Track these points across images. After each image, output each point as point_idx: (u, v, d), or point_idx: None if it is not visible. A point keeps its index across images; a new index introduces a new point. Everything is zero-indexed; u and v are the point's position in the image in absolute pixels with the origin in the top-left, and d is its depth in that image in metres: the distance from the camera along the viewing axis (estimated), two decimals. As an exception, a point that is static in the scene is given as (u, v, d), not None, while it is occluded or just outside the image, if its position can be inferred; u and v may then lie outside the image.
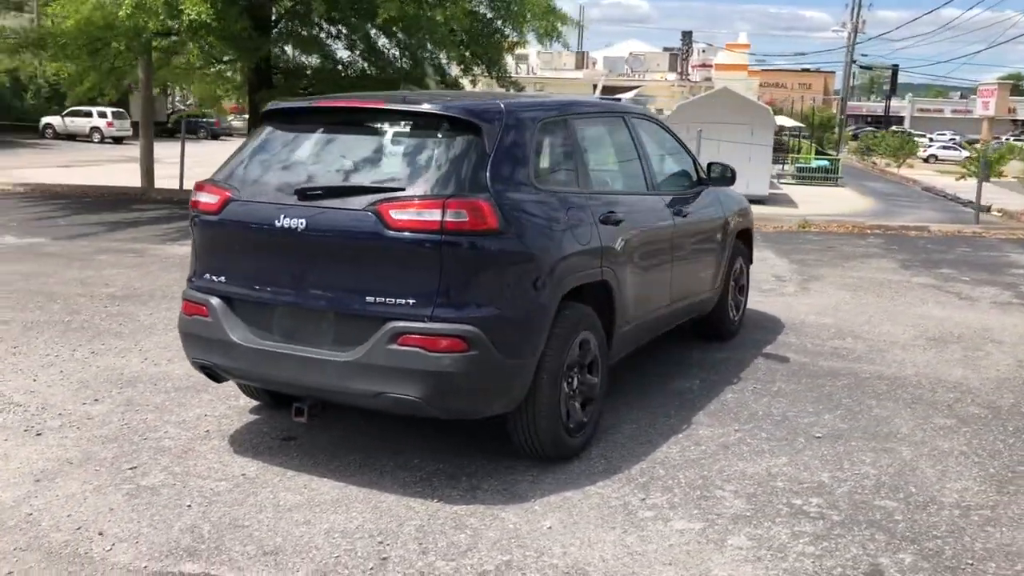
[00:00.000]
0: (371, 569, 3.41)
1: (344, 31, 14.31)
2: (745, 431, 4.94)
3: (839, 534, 3.77)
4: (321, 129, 4.34)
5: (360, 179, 4.02)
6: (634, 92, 28.56)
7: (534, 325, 4.02)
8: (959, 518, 3.95)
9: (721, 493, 4.14)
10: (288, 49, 14.91)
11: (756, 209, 14.03)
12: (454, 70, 16.02)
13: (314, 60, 15.52)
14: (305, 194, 3.99)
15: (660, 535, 3.72)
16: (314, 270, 4.00)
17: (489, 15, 14.28)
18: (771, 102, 54.36)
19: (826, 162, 31.87)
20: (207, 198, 4.26)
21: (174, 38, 12.69)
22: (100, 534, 3.64)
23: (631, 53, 35.88)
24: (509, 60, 35.11)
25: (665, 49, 36.10)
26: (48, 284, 8.35)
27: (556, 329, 4.19)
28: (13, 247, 10.52)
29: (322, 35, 14.65)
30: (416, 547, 3.58)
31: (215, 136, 43.81)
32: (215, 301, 4.25)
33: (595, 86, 30.37)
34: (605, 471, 4.35)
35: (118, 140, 38.84)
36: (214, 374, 4.41)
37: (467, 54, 14.57)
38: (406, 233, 3.78)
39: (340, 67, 15.57)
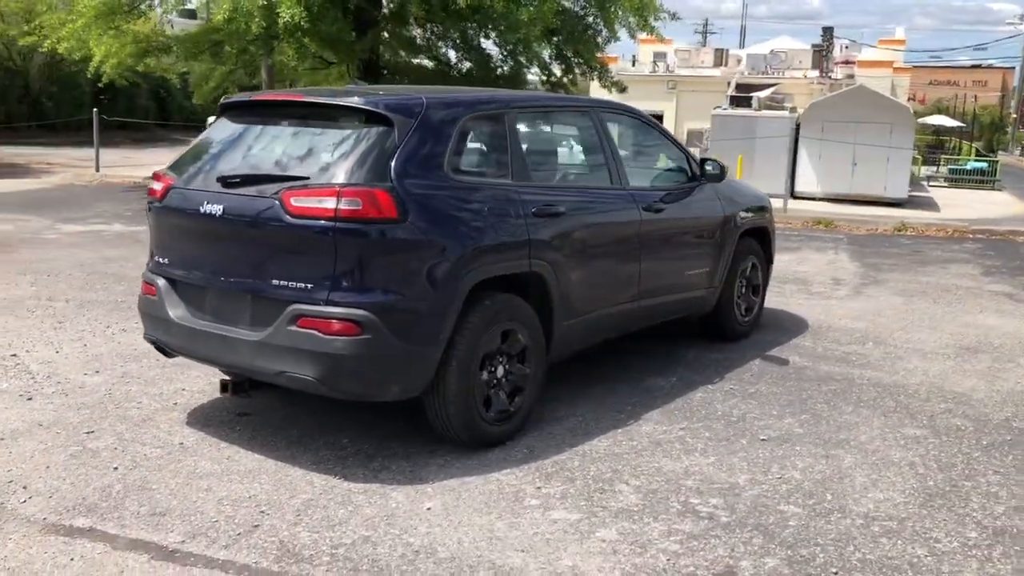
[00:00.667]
0: (238, 535, 3.62)
1: (437, 30, 14.67)
2: (690, 430, 4.87)
3: (716, 535, 3.70)
4: (260, 122, 4.59)
5: (277, 168, 4.24)
6: (770, 90, 27.67)
7: (435, 313, 4.12)
8: (856, 528, 3.79)
9: (622, 488, 4.12)
10: (392, 48, 15.41)
11: (867, 211, 13.56)
12: (556, 69, 16.13)
13: (424, 60, 15.97)
14: (225, 182, 4.25)
15: (532, 523, 3.76)
16: (233, 254, 4.25)
17: (579, 11, 14.28)
18: (923, 101, 51.37)
19: (983, 164, 29.93)
20: (156, 185, 4.60)
21: (275, 41, 13.39)
22: (24, 488, 4.00)
23: (772, 50, 34.71)
24: (647, 56, 34.80)
25: (813, 47, 34.75)
26: (125, 268, 9.03)
27: (470, 318, 4.28)
28: (115, 234, 11.40)
29: (417, 35, 15.06)
30: (292, 518, 3.76)
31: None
32: (161, 282, 4.58)
33: (728, 84, 29.63)
34: (520, 460, 4.40)
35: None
36: (163, 349, 4.74)
37: (567, 53, 14.63)
38: (304, 220, 3.98)
39: (447, 67, 15.95)
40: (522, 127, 4.88)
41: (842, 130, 21.69)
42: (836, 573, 3.43)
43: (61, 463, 4.27)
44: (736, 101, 25.98)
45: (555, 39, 14.05)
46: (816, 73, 31.10)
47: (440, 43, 15.35)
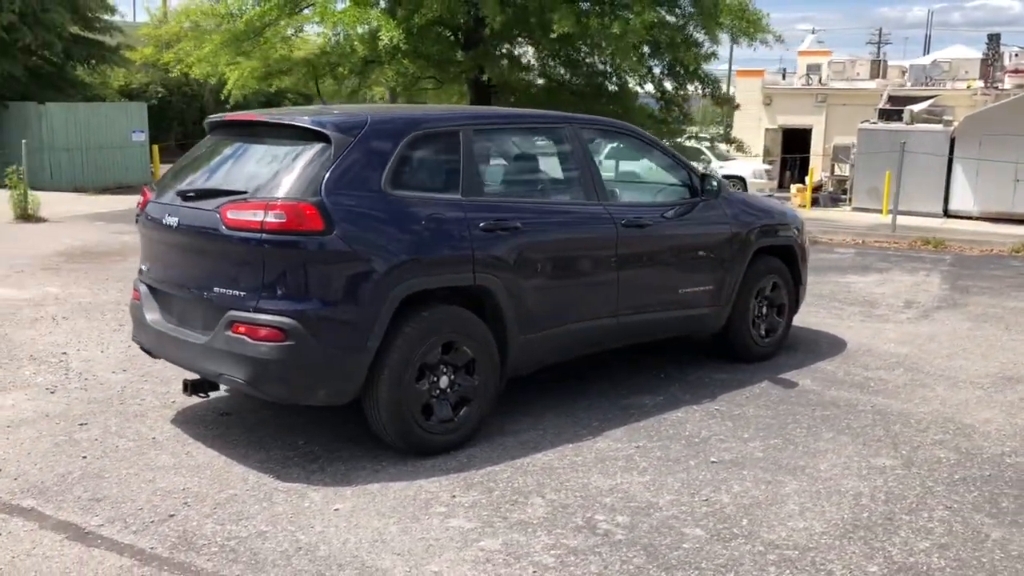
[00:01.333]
0: (151, 522, 3.90)
1: (544, 48, 14.86)
2: (644, 448, 4.82)
3: (599, 552, 3.68)
4: (230, 140, 4.92)
5: (225, 183, 4.54)
6: (928, 103, 26.27)
7: (360, 322, 4.29)
8: (751, 555, 3.68)
9: (536, 501, 4.15)
10: (500, 67, 15.71)
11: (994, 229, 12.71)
12: (668, 84, 16.00)
13: (533, 76, 16.22)
14: (183, 195, 4.59)
15: (425, 528, 3.86)
16: (188, 262, 4.59)
17: (678, 21, 14.10)
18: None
19: None
20: (140, 198, 5.01)
21: (376, 64, 13.97)
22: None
23: (934, 60, 32.91)
24: (801, 68, 33.66)
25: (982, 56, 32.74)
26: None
27: (405, 328, 4.44)
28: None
29: (523, 53, 15.31)
30: (208, 511, 4.02)
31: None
32: (143, 288, 4.98)
33: (880, 96, 28.30)
34: (454, 468, 4.50)
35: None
36: (147, 351, 5.13)
37: (671, 66, 14.49)
38: (237, 232, 4.26)
39: (557, 84, 16.13)
40: (481, 144, 4.99)
41: (1002, 144, 20.39)
42: (696, 598, 3.36)
43: (42, 450, 4.71)
44: (886, 115, 24.84)
45: (648, 51, 13.97)
46: (981, 84, 29.19)
47: (550, 60, 15.54)
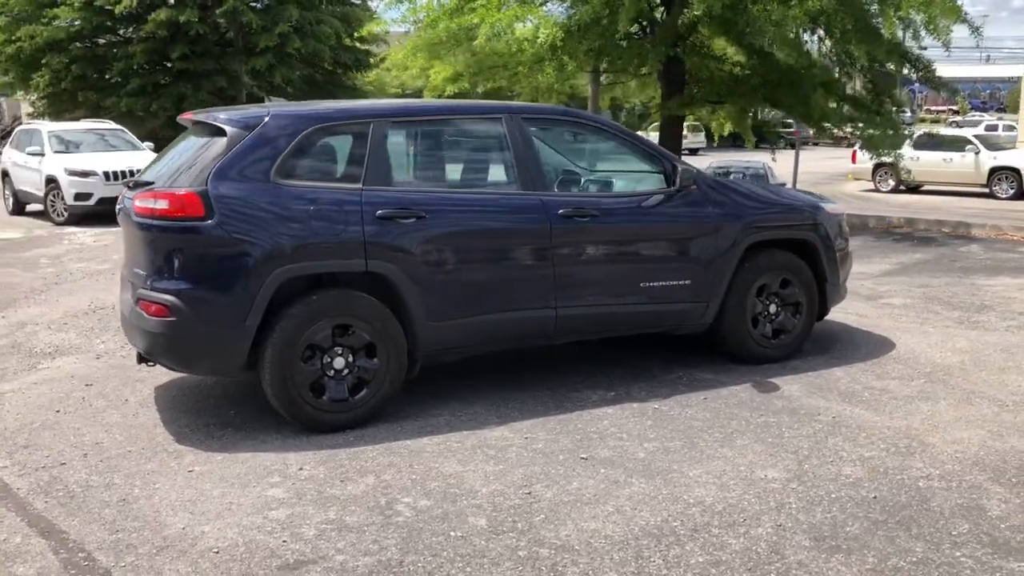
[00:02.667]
0: (43, 467, 4.51)
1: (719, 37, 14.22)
2: (529, 440, 4.77)
3: (365, 530, 3.78)
4: (184, 136, 5.47)
5: (150, 176, 5.08)
6: None
7: (237, 302, 4.65)
8: (504, 548, 3.61)
9: (367, 480, 4.29)
10: (688, 57, 15.22)
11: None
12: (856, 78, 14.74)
13: (723, 66, 15.56)
14: (127, 187, 5.20)
15: (240, 495, 4.14)
16: (127, 247, 5.21)
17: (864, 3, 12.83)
18: None
19: None
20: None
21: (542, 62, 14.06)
22: (-12, 416, 5.32)
23: None
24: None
25: None
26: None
27: (291, 310, 4.75)
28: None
29: (711, 43, 14.70)
30: (95, 462, 4.53)
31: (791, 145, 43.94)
32: (123, 273, 5.67)
33: None
34: (331, 445, 4.71)
35: (693, 152, 42.02)
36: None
37: (849, 50, 13.29)
38: (139, 218, 4.79)
39: (748, 72, 15.39)
40: (394, 137, 5.15)
41: None
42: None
43: (36, 403, 5.52)
44: None
45: (821, 33, 12.92)
46: None
47: (735, 49, 14.84)
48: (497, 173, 5.44)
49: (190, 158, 4.91)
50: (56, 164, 14.88)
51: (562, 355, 6.26)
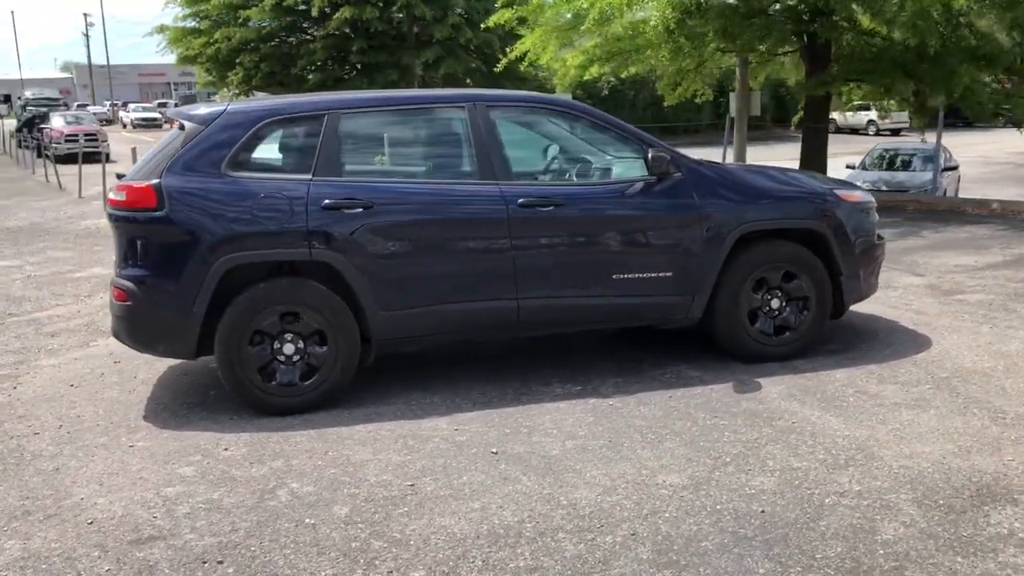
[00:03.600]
0: (32, 435, 4.96)
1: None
2: (456, 431, 4.74)
3: (215, 510, 3.91)
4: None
5: (132, 170, 5.43)
6: None
7: (184, 289, 4.90)
8: (357, 545, 3.63)
9: (272, 464, 4.41)
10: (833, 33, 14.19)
11: None
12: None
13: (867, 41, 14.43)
14: (116, 178, 5.59)
15: (152, 471, 4.36)
16: None
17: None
18: None
19: None
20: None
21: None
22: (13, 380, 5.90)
23: None
24: None
25: None
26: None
27: (239, 296, 4.96)
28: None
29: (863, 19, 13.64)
30: (50, 430, 4.94)
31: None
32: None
33: None
34: (271, 428, 4.88)
35: (895, 132, 39.29)
36: None
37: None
38: (111, 210, 5.14)
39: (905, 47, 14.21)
40: (349, 128, 5.20)
41: None
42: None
43: (63, 376, 6.01)
44: None
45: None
46: None
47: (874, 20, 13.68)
48: (456, 162, 5.40)
49: (158, 152, 5.22)
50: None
51: (568, 346, 6.15)
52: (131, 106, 59.10)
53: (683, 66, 15.76)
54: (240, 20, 25.96)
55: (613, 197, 5.43)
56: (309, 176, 5.06)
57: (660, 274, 5.46)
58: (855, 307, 6.38)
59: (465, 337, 5.54)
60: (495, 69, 21.66)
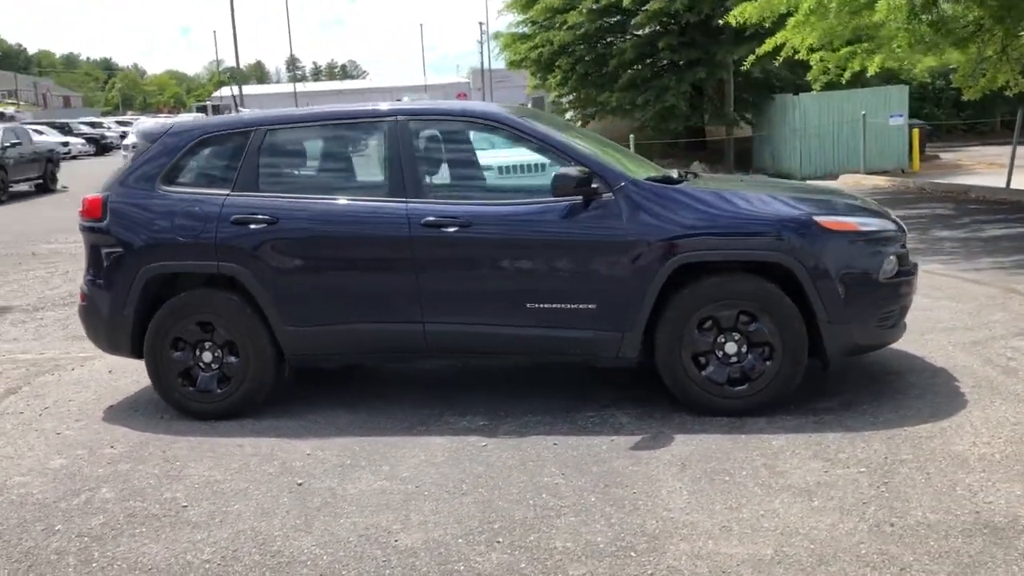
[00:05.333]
0: (20, 413, 5.69)
1: None
2: (313, 458, 4.63)
3: (27, 507, 4.22)
4: None
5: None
6: None
7: (116, 294, 5.29)
8: (69, 547, 3.77)
9: (121, 467, 4.66)
10: None
11: None
12: None
13: None
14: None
15: (35, 460, 4.82)
16: None
17: None
18: None
19: None
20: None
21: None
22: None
23: None
24: None
25: None
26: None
27: (164, 306, 5.27)
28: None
29: None
30: (39, 420, 5.60)
31: None
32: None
33: None
34: (168, 431, 5.12)
35: None
36: None
37: None
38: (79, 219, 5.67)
39: None
40: (270, 144, 5.23)
41: None
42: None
43: (118, 362, 6.72)
44: None
45: None
46: None
47: None
48: (368, 178, 5.24)
49: (121, 168, 5.66)
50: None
51: (550, 375, 5.76)
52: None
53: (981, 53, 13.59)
54: (560, 24, 26.73)
55: (528, 218, 4.93)
56: (228, 192, 5.21)
57: (581, 306, 4.87)
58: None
59: (383, 357, 5.38)
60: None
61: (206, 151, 5.42)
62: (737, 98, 26.08)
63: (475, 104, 5.72)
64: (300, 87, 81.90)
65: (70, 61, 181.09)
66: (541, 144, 5.08)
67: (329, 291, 5.12)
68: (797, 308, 4.74)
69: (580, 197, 4.82)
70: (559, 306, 4.90)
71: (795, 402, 4.90)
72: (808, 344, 4.79)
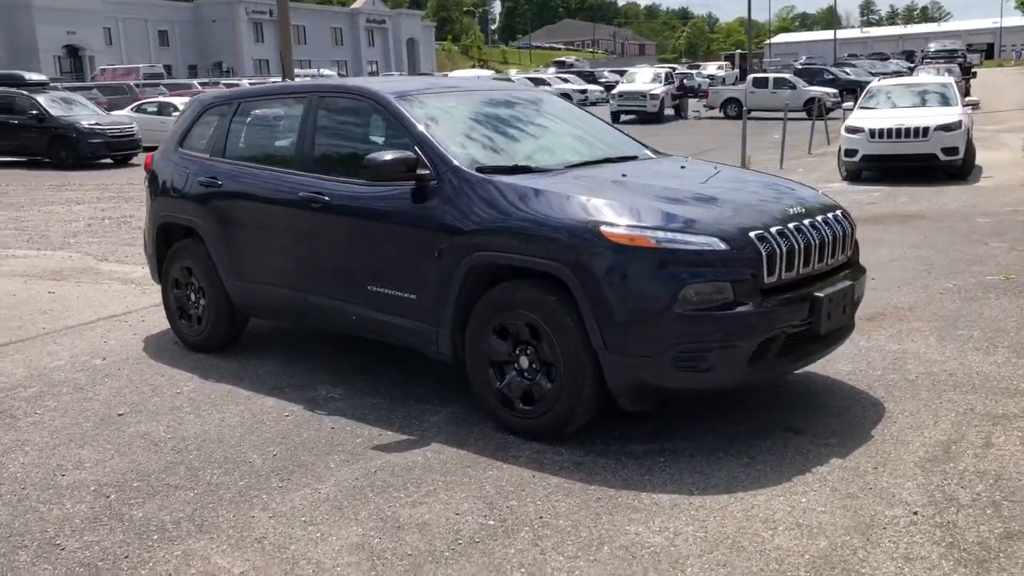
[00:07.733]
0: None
1: None
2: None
3: None
4: None
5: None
6: None
7: (150, 234, 6.32)
8: None
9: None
10: None
11: None
12: None
13: None
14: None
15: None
16: None
17: None
18: None
19: None
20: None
21: None
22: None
23: None
24: None
25: None
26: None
27: (169, 249, 6.23)
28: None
29: None
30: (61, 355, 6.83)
31: None
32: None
33: None
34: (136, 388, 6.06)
35: None
36: None
37: None
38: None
39: None
40: (241, 114, 5.75)
41: None
42: None
43: (151, 323, 7.39)
44: None
45: None
46: None
47: None
48: (289, 151, 5.44)
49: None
50: (856, 118, 14.98)
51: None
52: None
53: None
54: None
55: (372, 201, 4.83)
56: (207, 155, 5.90)
57: (406, 295, 4.70)
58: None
59: (293, 321, 5.71)
60: None
61: (204, 119, 6.12)
62: None
63: (359, 81, 5.58)
64: (846, 33, 78.21)
65: (651, 12, 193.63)
66: (398, 125, 4.89)
67: (251, 253, 5.57)
68: (579, 329, 4.06)
69: (415, 181, 4.63)
70: (390, 292, 4.78)
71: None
72: (596, 373, 4.08)
